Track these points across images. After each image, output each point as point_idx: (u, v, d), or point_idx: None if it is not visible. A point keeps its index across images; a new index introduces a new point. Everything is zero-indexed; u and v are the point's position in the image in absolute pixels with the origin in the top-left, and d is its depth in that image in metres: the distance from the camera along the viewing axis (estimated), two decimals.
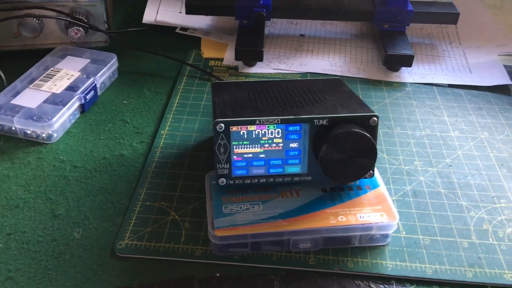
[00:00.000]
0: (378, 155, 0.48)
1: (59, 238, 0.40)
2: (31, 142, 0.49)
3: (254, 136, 0.39)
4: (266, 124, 0.38)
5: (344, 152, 0.37)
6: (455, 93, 0.59)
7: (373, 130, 0.38)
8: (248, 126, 0.38)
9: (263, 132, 0.39)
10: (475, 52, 0.67)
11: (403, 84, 0.60)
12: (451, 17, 0.65)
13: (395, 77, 0.61)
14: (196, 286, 0.36)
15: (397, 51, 0.61)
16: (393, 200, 0.43)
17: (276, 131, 0.39)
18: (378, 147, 0.49)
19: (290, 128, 0.39)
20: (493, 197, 0.44)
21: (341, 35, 0.70)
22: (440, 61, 0.65)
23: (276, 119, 0.38)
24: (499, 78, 0.61)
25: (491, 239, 0.40)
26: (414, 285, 0.37)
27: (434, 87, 0.60)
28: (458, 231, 0.41)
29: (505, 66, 0.63)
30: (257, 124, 0.38)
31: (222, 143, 0.39)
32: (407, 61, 0.60)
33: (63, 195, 0.44)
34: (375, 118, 0.38)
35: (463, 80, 0.61)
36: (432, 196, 0.44)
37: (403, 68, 0.62)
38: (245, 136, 0.39)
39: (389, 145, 0.50)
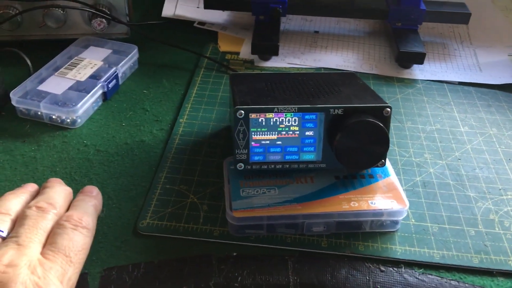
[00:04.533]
0: (389, 148, 0.50)
1: None
2: (56, 127, 0.52)
3: (271, 123, 0.40)
4: (284, 112, 0.40)
5: (358, 140, 0.39)
6: (465, 91, 0.60)
7: (386, 120, 0.40)
8: (267, 114, 0.40)
9: (280, 120, 0.40)
10: (486, 52, 0.68)
11: (414, 81, 0.62)
12: (463, 17, 0.66)
13: (407, 74, 0.63)
14: (214, 263, 0.38)
15: (409, 48, 0.62)
16: (403, 189, 0.45)
17: (293, 119, 0.41)
18: (389, 139, 0.51)
19: (307, 117, 0.41)
20: (500, 189, 0.46)
21: (354, 32, 0.72)
22: (451, 60, 0.66)
23: (293, 107, 0.40)
24: (509, 77, 0.62)
25: (497, 228, 0.42)
26: (422, 269, 0.39)
27: (445, 84, 0.61)
28: (466, 220, 0.42)
29: None
30: (275, 112, 0.40)
31: (241, 129, 0.40)
32: (419, 58, 0.62)
33: (88, 176, 0.46)
34: (388, 109, 0.40)
35: (473, 78, 0.62)
36: (441, 187, 0.46)
37: (415, 66, 0.64)
38: (263, 123, 0.40)
39: (400, 138, 0.52)
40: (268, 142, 0.41)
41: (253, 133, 0.41)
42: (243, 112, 0.40)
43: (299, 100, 0.42)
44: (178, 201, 0.43)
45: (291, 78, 0.48)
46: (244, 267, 0.38)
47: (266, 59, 0.65)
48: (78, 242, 0.33)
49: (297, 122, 0.41)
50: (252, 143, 0.41)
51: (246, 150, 0.41)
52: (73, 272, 0.32)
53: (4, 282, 0.29)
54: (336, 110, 0.40)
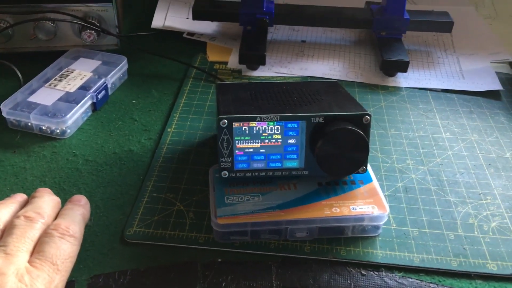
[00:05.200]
0: (372, 154, 0.51)
1: None
2: (46, 137, 0.52)
3: (255, 132, 0.42)
4: (266, 121, 0.41)
5: (338, 148, 0.40)
6: (448, 98, 0.61)
7: (366, 127, 0.41)
8: (250, 123, 0.41)
9: (263, 128, 0.42)
10: (469, 59, 0.70)
11: (398, 89, 0.63)
12: (446, 26, 0.68)
13: (391, 81, 0.64)
14: (199, 270, 0.39)
15: (393, 57, 0.64)
16: (385, 195, 0.46)
17: (275, 128, 0.42)
18: (372, 146, 0.52)
19: (289, 125, 0.42)
20: (480, 194, 0.47)
21: (340, 41, 0.73)
22: (434, 67, 0.68)
23: (275, 116, 0.41)
24: (491, 84, 0.63)
25: (476, 232, 0.43)
26: (402, 273, 0.40)
27: (428, 91, 0.63)
28: (446, 224, 0.44)
29: (496, 73, 0.66)
30: (258, 121, 0.41)
31: (225, 138, 0.41)
32: (403, 66, 0.63)
33: (76, 186, 0.47)
34: (368, 117, 0.41)
35: (456, 86, 0.64)
36: (422, 192, 0.47)
37: (399, 74, 0.65)
38: (247, 132, 0.41)
39: (383, 144, 0.53)
40: (251, 150, 0.42)
41: (237, 141, 0.42)
42: (226, 121, 0.41)
43: (281, 109, 0.43)
44: (164, 209, 0.44)
45: (275, 88, 0.49)
46: (228, 273, 0.39)
47: (254, 68, 0.66)
48: (65, 250, 0.34)
49: (279, 131, 0.42)
50: (236, 151, 0.42)
51: (230, 158, 0.42)
52: (60, 280, 0.33)
53: None
54: (317, 118, 0.41)
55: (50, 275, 0.32)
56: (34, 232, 0.35)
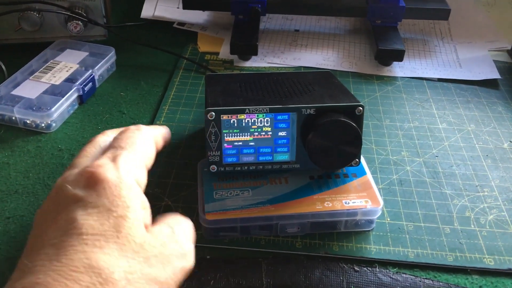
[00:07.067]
0: (366, 146, 0.50)
1: None
2: (31, 132, 0.51)
3: (244, 124, 0.40)
4: (256, 113, 0.40)
5: (330, 140, 0.39)
6: (444, 87, 0.60)
7: (359, 119, 0.40)
8: (238, 115, 0.40)
9: (252, 120, 0.40)
10: (466, 48, 0.68)
11: (394, 78, 0.61)
12: (442, 13, 0.66)
13: (386, 71, 0.63)
14: None
15: (388, 45, 0.62)
16: (379, 188, 0.45)
17: (265, 120, 0.40)
18: (367, 138, 0.51)
19: (279, 117, 0.40)
20: (476, 186, 0.46)
21: (334, 30, 0.72)
22: (431, 56, 0.66)
23: (265, 108, 0.40)
24: (488, 73, 0.62)
25: (472, 226, 0.42)
26: (397, 268, 0.38)
27: (424, 81, 0.61)
28: (441, 218, 0.42)
29: (494, 61, 0.64)
30: (247, 113, 0.40)
31: (213, 131, 0.40)
32: (398, 55, 0.62)
33: None
34: (361, 108, 0.40)
35: (452, 75, 0.62)
36: (417, 185, 0.45)
37: (395, 63, 0.64)
38: (235, 124, 0.40)
39: (378, 136, 0.51)
40: (241, 143, 0.41)
41: (225, 134, 0.40)
42: (214, 113, 0.39)
43: (271, 100, 0.41)
44: (152, 204, 0.42)
45: (266, 78, 0.47)
46: (217, 270, 0.38)
47: (246, 59, 0.64)
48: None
49: (269, 123, 0.40)
50: (225, 144, 0.41)
51: (219, 152, 0.41)
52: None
53: None
54: (308, 110, 0.40)
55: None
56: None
